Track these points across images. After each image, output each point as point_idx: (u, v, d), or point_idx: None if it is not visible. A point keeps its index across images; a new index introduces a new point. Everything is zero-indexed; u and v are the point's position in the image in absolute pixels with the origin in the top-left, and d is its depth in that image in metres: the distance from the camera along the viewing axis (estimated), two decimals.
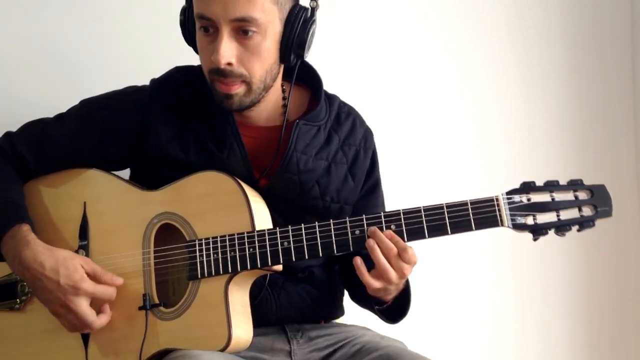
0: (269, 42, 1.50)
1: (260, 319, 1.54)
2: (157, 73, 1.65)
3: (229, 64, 1.48)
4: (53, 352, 1.54)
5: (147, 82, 1.64)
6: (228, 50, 1.47)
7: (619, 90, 2.41)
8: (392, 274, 1.45)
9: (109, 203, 1.59)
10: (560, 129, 2.37)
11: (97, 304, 1.50)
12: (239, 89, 1.51)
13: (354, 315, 1.75)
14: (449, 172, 2.29)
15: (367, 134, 1.71)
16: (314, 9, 1.53)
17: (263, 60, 1.51)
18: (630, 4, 2.41)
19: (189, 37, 1.58)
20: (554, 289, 2.38)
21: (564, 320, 2.39)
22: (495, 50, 2.33)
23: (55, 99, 1.71)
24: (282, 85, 1.63)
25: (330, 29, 1.98)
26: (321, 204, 1.61)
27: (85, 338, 1.52)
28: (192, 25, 1.55)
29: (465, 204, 1.45)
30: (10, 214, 1.52)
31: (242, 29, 1.47)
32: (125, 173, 1.66)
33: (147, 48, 2.03)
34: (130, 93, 1.63)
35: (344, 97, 1.73)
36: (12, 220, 1.51)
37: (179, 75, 1.63)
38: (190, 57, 1.60)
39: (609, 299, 2.40)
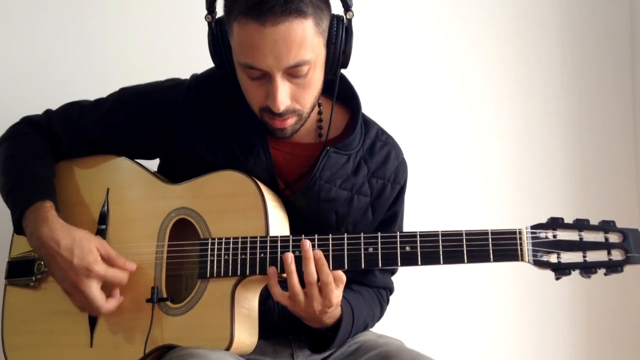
0: (318, 72, 1.46)
1: (263, 325, 1.52)
2: (159, 73, 1.65)
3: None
4: (59, 334, 1.55)
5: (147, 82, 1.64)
6: (285, 95, 1.43)
7: (619, 90, 2.36)
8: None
9: (131, 192, 1.59)
10: (560, 130, 2.34)
11: (108, 288, 1.50)
12: (292, 121, 1.49)
13: None
14: (447, 171, 2.27)
15: (400, 168, 1.65)
16: (350, 20, 1.48)
17: (314, 89, 1.48)
18: (630, 4, 2.36)
19: (219, 52, 1.49)
20: (553, 288, 2.25)
21: (563, 319, 2.33)
22: (494, 54, 2.31)
23: (55, 99, 1.73)
24: (318, 100, 1.56)
25: None
26: (335, 232, 1.55)
27: (92, 324, 1.53)
28: (224, 41, 1.48)
29: (485, 233, 1.40)
30: (37, 189, 1.54)
31: (296, 73, 1.43)
32: (154, 163, 1.67)
33: (149, 48, 2.03)
34: (168, 88, 1.62)
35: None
36: (37, 196, 1.52)
37: (218, 75, 1.59)
38: (189, 58, 1.57)
39: (609, 301, 2.33)
